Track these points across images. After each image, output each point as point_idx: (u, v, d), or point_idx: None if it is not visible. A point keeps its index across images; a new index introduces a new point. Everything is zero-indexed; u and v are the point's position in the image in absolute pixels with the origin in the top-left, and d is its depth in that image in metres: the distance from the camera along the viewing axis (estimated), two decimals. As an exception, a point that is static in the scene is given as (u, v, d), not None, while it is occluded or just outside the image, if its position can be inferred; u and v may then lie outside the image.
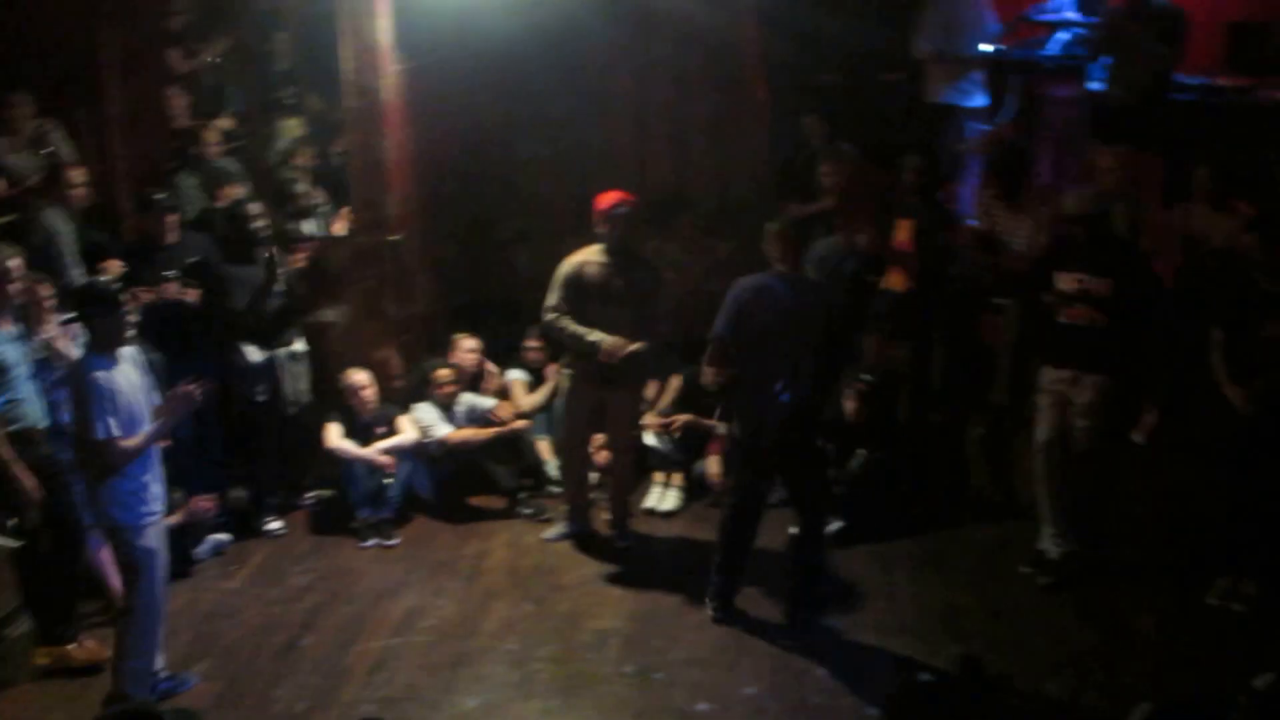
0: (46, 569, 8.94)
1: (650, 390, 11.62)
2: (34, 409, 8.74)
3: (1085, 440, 9.48)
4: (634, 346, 10.00)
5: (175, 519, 9.41)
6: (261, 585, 10.16)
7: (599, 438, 10.96)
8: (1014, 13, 13.38)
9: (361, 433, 11.08)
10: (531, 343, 12.07)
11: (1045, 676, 8.55)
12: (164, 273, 10.37)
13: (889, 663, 8.79)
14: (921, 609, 9.53)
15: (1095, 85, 12.28)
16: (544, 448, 11.79)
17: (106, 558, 9.15)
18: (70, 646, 8.92)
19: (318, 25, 11.93)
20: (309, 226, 12.11)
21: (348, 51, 11.32)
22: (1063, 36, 12.85)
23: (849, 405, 10.59)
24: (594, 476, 11.17)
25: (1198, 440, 9.76)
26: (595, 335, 9.98)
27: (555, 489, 11.42)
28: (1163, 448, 9.71)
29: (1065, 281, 9.31)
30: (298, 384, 11.10)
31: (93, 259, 10.29)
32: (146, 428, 8.01)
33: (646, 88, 13.23)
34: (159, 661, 8.47)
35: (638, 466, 11.25)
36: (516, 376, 12.07)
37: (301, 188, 12.29)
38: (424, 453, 11.30)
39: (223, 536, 10.66)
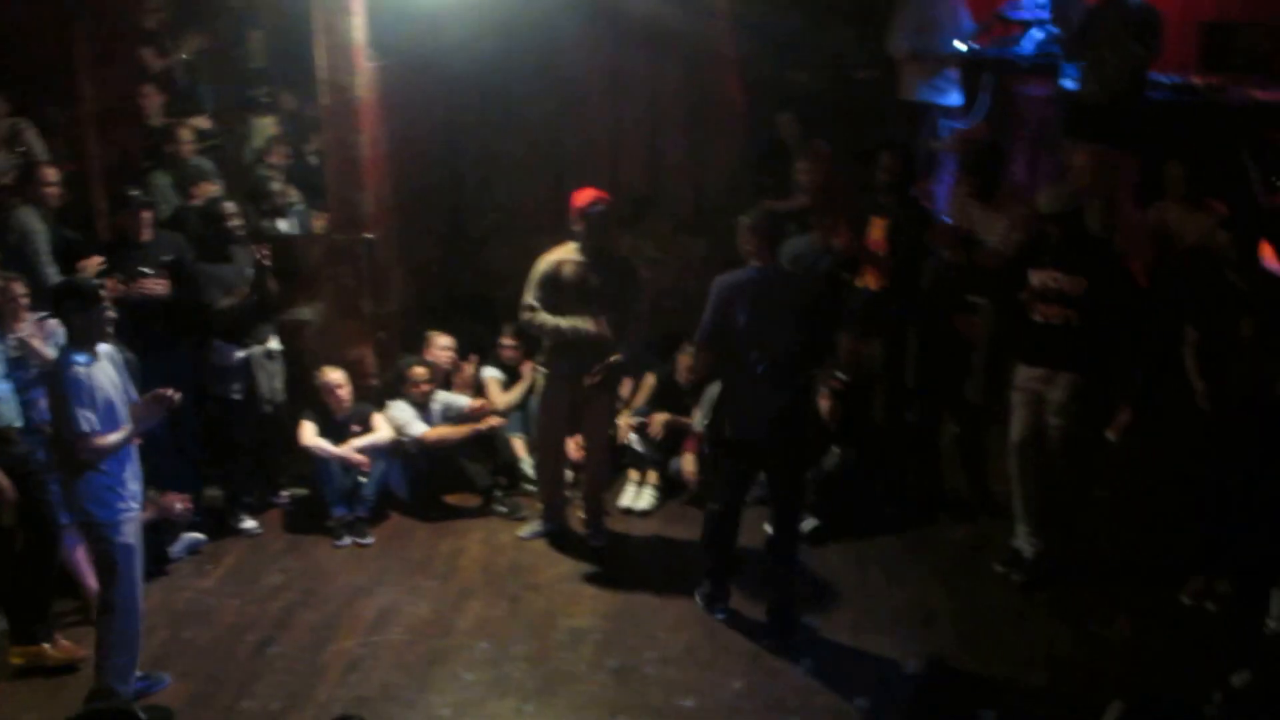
0: (21, 568, 8.94)
1: (625, 388, 11.63)
2: (8, 408, 8.74)
3: (1059, 439, 9.49)
4: (613, 358, 10.05)
5: (147, 515, 9.39)
6: (236, 584, 10.13)
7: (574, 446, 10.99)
8: (988, 11, 13.41)
9: (336, 431, 11.07)
10: (507, 340, 12.07)
11: (1019, 675, 8.58)
12: (140, 269, 10.34)
13: (864, 661, 8.82)
14: (896, 607, 9.55)
15: (1069, 83, 12.32)
16: (519, 446, 11.79)
17: (81, 557, 9.16)
18: (45, 646, 8.90)
19: (292, 23, 11.91)
20: (284, 225, 12.09)
21: (321, 49, 11.31)
22: (1037, 35, 12.89)
23: (823, 404, 10.60)
24: (569, 475, 11.18)
25: (1171, 439, 9.80)
26: (570, 322, 9.99)
27: (530, 487, 11.43)
28: (1136, 446, 9.74)
29: (1039, 280, 9.32)
30: (273, 382, 11.07)
31: (67, 257, 10.27)
32: (123, 425, 8.02)
33: (621, 85, 13.24)
34: (133, 659, 8.47)
35: (612, 465, 11.25)
36: (491, 374, 12.08)
37: (277, 186, 12.28)
38: (399, 451, 11.29)
39: (197, 535, 10.63)
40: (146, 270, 10.34)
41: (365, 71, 11.45)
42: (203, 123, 12.77)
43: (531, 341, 11.04)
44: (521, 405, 11.91)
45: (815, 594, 9.62)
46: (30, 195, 10.40)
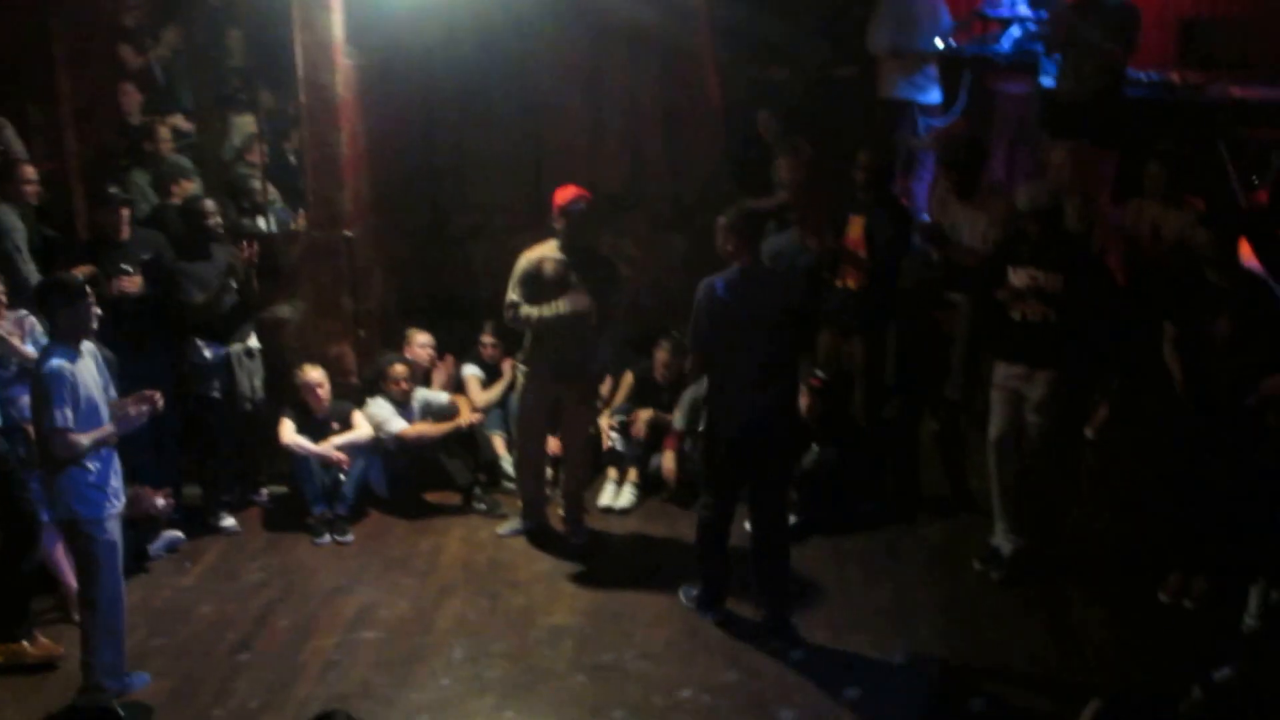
0: (0, 566, 8.92)
1: (605, 387, 11.63)
2: (-12, 406, 8.74)
3: (1038, 436, 9.50)
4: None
5: (128, 512, 9.37)
6: (215, 582, 10.13)
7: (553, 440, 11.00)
8: (967, 8, 13.44)
9: (316, 429, 11.07)
10: (487, 338, 12.08)
11: (997, 672, 8.59)
12: (121, 265, 10.33)
13: (843, 657, 8.83)
14: (875, 604, 9.55)
15: (1048, 81, 12.33)
16: (499, 443, 11.79)
17: (60, 554, 9.15)
18: (24, 644, 8.88)
19: (270, 21, 11.89)
20: (263, 223, 12.08)
21: (300, 47, 11.30)
22: (1015, 32, 12.90)
23: (803, 402, 10.60)
24: (549, 472, 11.18)
25: (1149, 436, 9.82)
26: (551, 308, 10.00)
27: (510, 485, 11.41)
28: (1114, 443, 9.76)
29: (1017, 277, 9.32)
30: (252, 380, 11.06)
31: (46, 255, 10.26)
32: (104, 423, 8.03)
33: (599, 83, 13.22)
34: (111, 657, 8.47)
35: (592, 462, 11.26)
36: (472, 372, 12.08)
37: (256, 184, 12.26)
38: (379, 448, 11.28)
39: (176, 534, 10.63)
40: (126, 268, 10.33)
41: (344, 69, 11.45)
42: (181, 121, 12.75)
43: (511, 339, 11.03)
44: (502, 403, 11.91)
45: (794, 591, 9.60)
46: (9, 193, 10.37)
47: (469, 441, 11.56)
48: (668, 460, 11.23)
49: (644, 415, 11.49)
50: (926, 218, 11.65)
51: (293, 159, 12.64)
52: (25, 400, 8.62)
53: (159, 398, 8.19)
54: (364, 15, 11.54)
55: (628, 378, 11.82)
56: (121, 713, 5.48)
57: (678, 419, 11.21)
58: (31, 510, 8.89)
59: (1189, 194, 10.20)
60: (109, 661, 8.27)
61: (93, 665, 8.24)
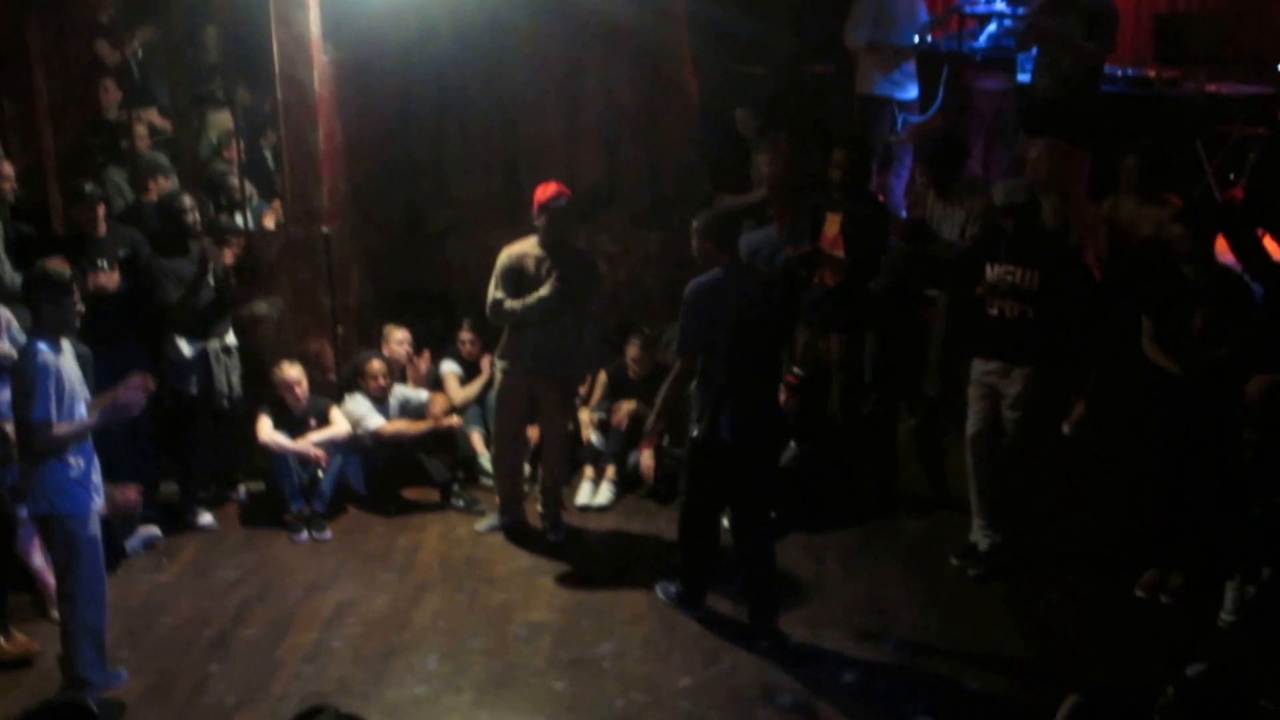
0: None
1: (582, 387, 11.64)
2: (-37, 403, 8.72)
3: (1015, 432, 9.52)
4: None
5: (102, 508, 9.36)
6: (192, 579, 10.12)
7: (532, 429, 10.99)
8: (945, 4, 13.46)
9: (294, 425, 11.06)
10: (465, 334, 12.06)
11: (975, 668, 8.61)
12: (98, 261, 10.31)
13: (821, 653, 8.84)
14: (852, 601, 9.56)
15: (1024, 77, 12.36)
16: (477, 440, 11.78)
17: (37, 550, 9.13)
18: (0, 640, 8.86)
19: (246, 17, 11.86)
20: (240, 219, 12.06)
21: (277, 44, 11.29)
22: (993, 28, 12.93)
23: (780, 398, 10.60)
24: (526, 469, 11.18)
25: (1126, 432, 9.85)
26: (534, 297, 10.03)
27: (488, 481, 11.41)
28: (1091, 439, 9.78)
29: (994, 274, 9.34)
30: (230, 377, 11.04)
31: (22, 251, 10.23)
32: (84, 418, 8.02)
33: (576, 80, 13.21)
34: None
35: (570, 459, 11.26)
36: (450, 369, 12.07)
37: (233, 181, 12.25)
38: (357, 445, 11.28)
39: (153, 530, 10.61)
40: (103, 264, 10.31)
41: (321, 66, 11.43)
42: (157, 118, 12.71)
43: (490, 335, 11.02)
44: (480, 399, 11.91)
45: (777, 589, 9.62)
46: (-16, 190, 10.37)
47: (447, 438, 11.57)
48: (646, 457, 11.21)
49: (625, 407, 11.49)
50: (904, 214, 11.67)
51: (269, 156, 12.61)
52: (4, 397, 8.61)
53: (151, 382, 8.20)
54: (341, 12, 11.53)
55: (601, 377, 11.81)
56: (96, 709, 5.45)
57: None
58: (7, 506, 8.87)
59: (1165, 190, 10.21)
60: (89, 658, 8.25)
61: (74, 660, 8.22)
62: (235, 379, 11.11)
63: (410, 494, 11.47)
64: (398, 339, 11.81)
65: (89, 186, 10.58)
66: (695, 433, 8.82)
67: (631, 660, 8.80)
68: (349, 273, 12.10)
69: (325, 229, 11.58)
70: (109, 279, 10.32)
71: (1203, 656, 5.92)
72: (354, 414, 11.23)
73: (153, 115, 12.71)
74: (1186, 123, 12.20)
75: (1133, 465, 9.83)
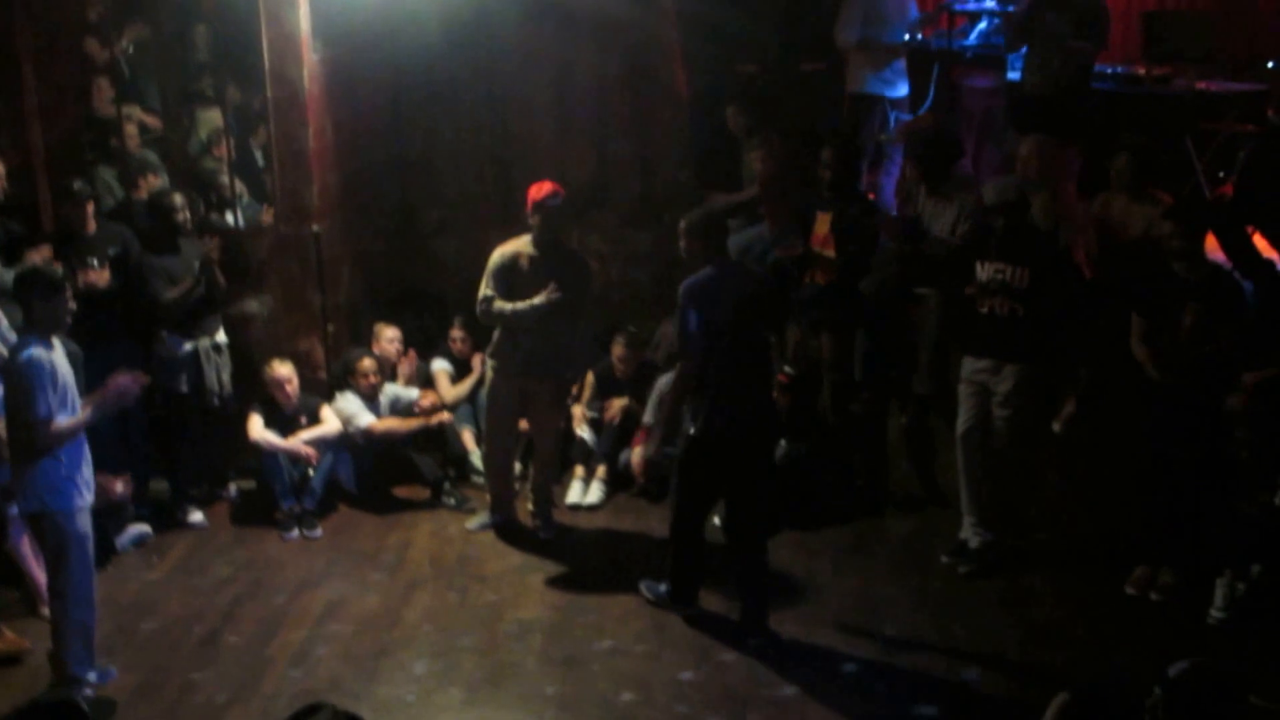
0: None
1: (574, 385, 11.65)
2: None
3: (1006, 430, 9.52)
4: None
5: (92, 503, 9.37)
6: (183, 577, 10.11)
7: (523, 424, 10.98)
8: (934, 2, 13.46)
9: (284, 423, 11.06)
10: (456, 333, 12.06)
11: (965, 665, 8.61)
12: (87, 258, 10.30)
13: (812, 651, 8.84)
14: (844, 598, 9.56)
15: (1014, 75, 12.35)
16: (468, 438, 11.78)
17: (26, 546, 9.12)
18: (-11, 638, 8.88)
19: (236, 15, 11.85)
20: (231, 218, 12.06)
21: (267, 42, 11.28)
22: (983, 26, 12.92)
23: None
24: (518, 467, 11.18)
25: (1116, 429, 9.85)
26: (526, 303, 9.98)
27: (479, 479, 11.40)
28: (1081, 437, 9.78)
29: (985, 272, 9.35)
30: (220, 375, 11.04)
31: (10, 249, 10.22)
32: (78, 413, 8.03)
33: (567, 78, 13.20)
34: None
35: (561, 457, 11.26)
36: (441, 367, 12.06)
37: (223, 179, 12.24)
38: (347, 443, 11.27)
39: (143, 528, 10.60)
40: (93, 262, 10.30)
41: (311, 64, 11.43)
42: (147, 116, 12.70)
43: (481, 334, 11.02)
44: (471, 397, 11.90)
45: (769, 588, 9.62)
46: (-27, 188, 10.36)
47: (437, 436, 11.57)
48: (637, 455, 11.20)
49: (618, 403, 11.51)
50: (895, 212, 11.66)
51: (259, 154, 12.60)
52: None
53: (142, 376, 8.20)
54: (331, 10, 11.53)
55: (588, 378, 11.81)
56: (86, 707, 5.45)
57: (648, 414, 11.22)
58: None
59: (1155, 187, 10.21)
60: (80, 654, 8.25)
61: (63, 659, 8.22)
62: (226, 377, 11.10)
63: (401, 492, 11.48)
64: (388, 337, 11.81)
65: (78, 184, 10.57)
66: (692, 430, 8.81)
67: (623, 658, 8.80)
68: (339, 271, 12.09)
69: (316, 227, 11.56)
70: (99, 277, 10.31)
71: (1188, 654, 5.92)
72: (345, 412, 11.23)
73: (133, 109, 12.67)
74: (1176, 120, 12.20)
75: (1123, 462, 9.83)
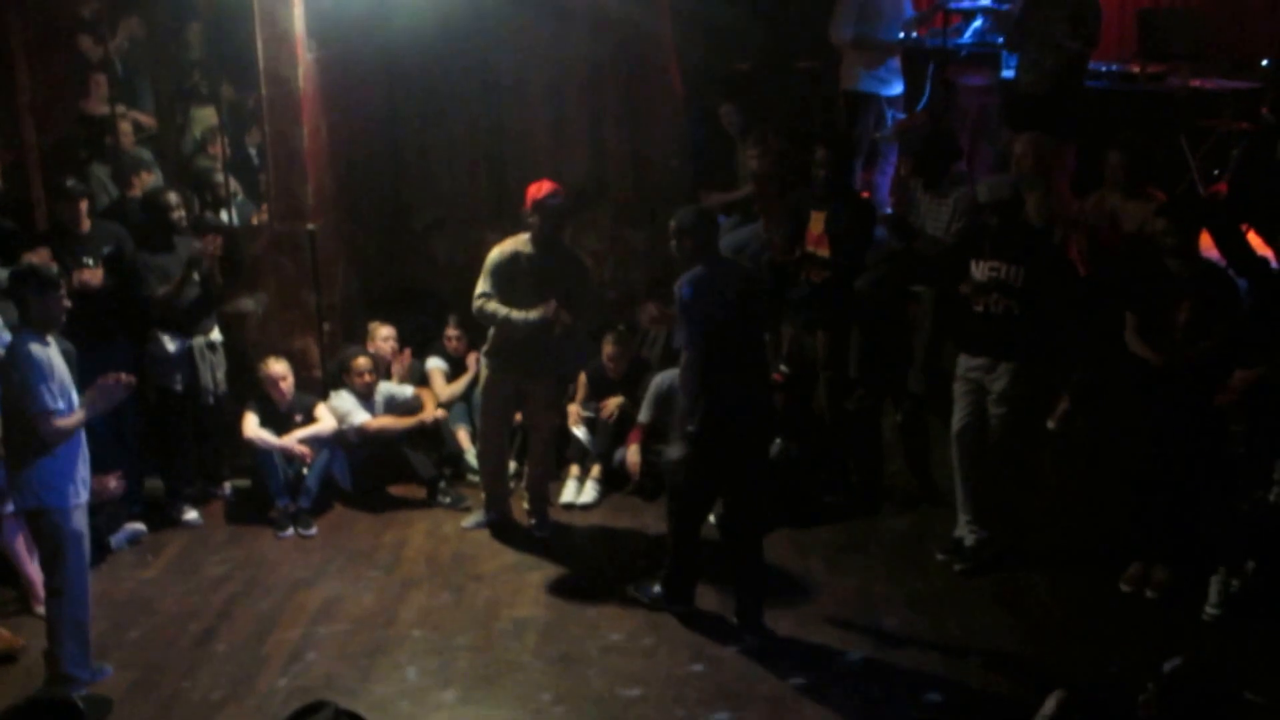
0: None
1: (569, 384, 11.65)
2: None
3: (1000, 428, 9.53)
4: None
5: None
6: (178, 575, 10.10)
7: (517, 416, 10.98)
8: (929, 0, 13.46)
9: (279, 422, 11.05)
10: (452, 331, 12.07)
11: (961, 662, 8.61)
12: (81, 256, 10.30)
13: (806, 649, 8.84)
14: (839, 596, 9.57)
15: (1009, 73, 12.36)
16: (463, 436, 11.78)
17: (21, 545, 9.12)
18: (-17, 636, 8.87)
19: (231, 14, 11.84)
20: (226, 216, 12.06)
21: (261, 40, 11.28)
22: (978, 24, 12.92)
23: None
24: (513, 466, 11.18)
25: (1110, 427, 9.86)
26: (521, 313, 9.96)
27: (475, 478, 11.38)
28: (1076, 435, 9.79)
29: (979, 270, 9.35)
30: (214, 373, 11.03)
31: (4, 247, 10.22)
32: (77, 410, 8.05)
33: (561, 77, 13.20)
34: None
35: (557, 455, 11.26)
36: (436, 365, 12.06)
37: (218, 177, 12.24)
38: (342, 441, 11.27)
39: (138, 526, 10.60)
40: (87, 260, 10.30)
41: (305, 63, 11.43)
42: (142, 115, 12.70)
43: (477, 332, 11.02)
44: (466, 396, 11.90)
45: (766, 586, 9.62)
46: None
47: (433, 434, 11.57)
48: (632, 454, 11.21)
49: (613, 401, 11.51)
50: (889, 210, 11.67)
51: (254, 152, 12.60)
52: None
53: (130, 378, 8.20)
54: (325, 8, 11.53)
55: (580, 379, 11.81)
56: (81, 705, 5.43)
57: (643, 412, 11.22)
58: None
59: (1150, 185, 10.22)
60: (74, 652, 8.24)
61: (59, 655, 8.21)
62: (220, 375, 11.10)
63: (396, 490, 11.48)
64: (383, 335, 11.81)
65: (72, 182, 10.58)
66: (692, 428, 8.80)
67: (619, 656, 8.79)
68: (334, 269, 12.09)
69: (310, 225, 11.56)
70: (93, 275, 10.31)
71: (1183, 651, 5.94)
72: (340, 410, 11.23)
73: (138, 112, 12.68)
74: (1171, 118, 12.21)
75: (1118, 459, 9.83)
